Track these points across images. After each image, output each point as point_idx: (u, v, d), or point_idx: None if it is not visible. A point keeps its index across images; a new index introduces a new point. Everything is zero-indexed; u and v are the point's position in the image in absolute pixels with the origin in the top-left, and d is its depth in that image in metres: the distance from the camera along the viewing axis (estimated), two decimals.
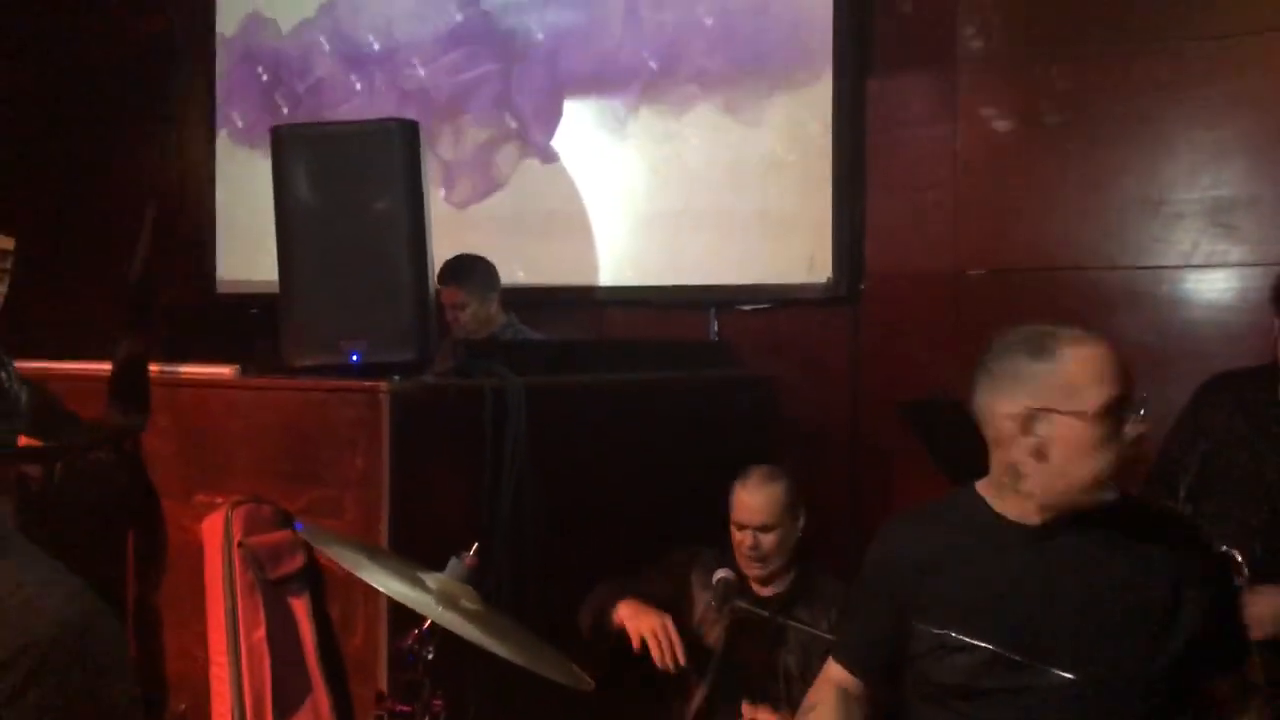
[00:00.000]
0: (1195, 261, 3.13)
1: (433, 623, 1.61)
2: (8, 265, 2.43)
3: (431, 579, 1.63)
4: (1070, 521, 1.83)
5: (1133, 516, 1.85)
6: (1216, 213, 3.11)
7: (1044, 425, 1.76)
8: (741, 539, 2.75)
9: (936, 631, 1.86)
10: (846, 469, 3.65)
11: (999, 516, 1.88)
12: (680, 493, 3.18)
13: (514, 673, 2.57)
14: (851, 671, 2.02)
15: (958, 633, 1.83)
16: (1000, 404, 1.81)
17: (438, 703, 1.58)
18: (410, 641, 1.58)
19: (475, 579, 1.66)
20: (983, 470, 1.93)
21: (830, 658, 2.08)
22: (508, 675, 2.56)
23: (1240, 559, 2.34)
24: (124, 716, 1.46)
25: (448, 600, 1.58)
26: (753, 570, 2.75)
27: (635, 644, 2.61)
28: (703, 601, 2.79)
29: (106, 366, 2.80)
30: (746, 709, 2.56)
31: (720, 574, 2.70)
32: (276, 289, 2.77)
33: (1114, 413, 1.76)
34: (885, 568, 1.98)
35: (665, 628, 2.61)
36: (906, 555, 1.95)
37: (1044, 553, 1.83)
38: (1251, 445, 2.51)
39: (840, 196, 3.60)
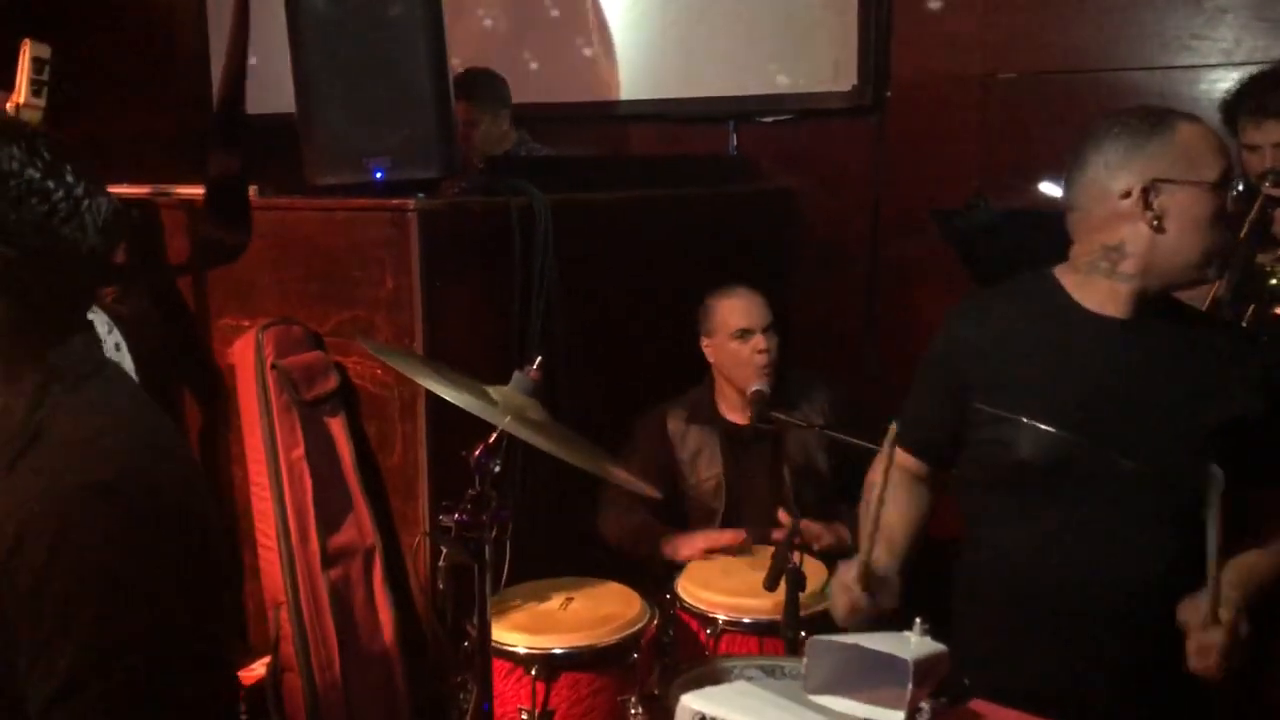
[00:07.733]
0: (1237, 59, 3.02)
1: (497, 436, 1.60)
2: (44, 76, 2.23)
3: (495, 392, 1.61)
4: (1150, 314, 1.83)
5: (1205, 318, 1.87)
6: (1261, 6, 2.99)
7: (1164, 196, 1.75)
8: (754, 344, 2.74)
9: (1006, 415, 1.83)
10: (865, 283, 3.63)
11: (1078, 304, 1.85)
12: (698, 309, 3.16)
13: (560, 490, 2.66)
14: (914, 454, 2.01)
15: (1029, 417, 1.81)
16: (1117, 180, 1.78)
17: (507, 512, 1.57)
18: (478, 454, 1.56)
19: (539, 391, 1.64)
20: (1012, 274, 1.93)
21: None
22: (556, 492, 2.65)
23: None
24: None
25: (515, 412, 1.56)
26: (765, 381, 2.72)
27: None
28: (688, 444, 2.80)
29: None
30: (783, 517, 2.59)
31: (754, 387, 2.70)
32: (274, 114, 2.64)
33: (1226, 186, 1.75)
34: (949, 347, 1.95)
35: (708, 538, 2.64)
36: (972, 336, 1.92)
37: (1121, 344, 1.82)
38: None
39: None
